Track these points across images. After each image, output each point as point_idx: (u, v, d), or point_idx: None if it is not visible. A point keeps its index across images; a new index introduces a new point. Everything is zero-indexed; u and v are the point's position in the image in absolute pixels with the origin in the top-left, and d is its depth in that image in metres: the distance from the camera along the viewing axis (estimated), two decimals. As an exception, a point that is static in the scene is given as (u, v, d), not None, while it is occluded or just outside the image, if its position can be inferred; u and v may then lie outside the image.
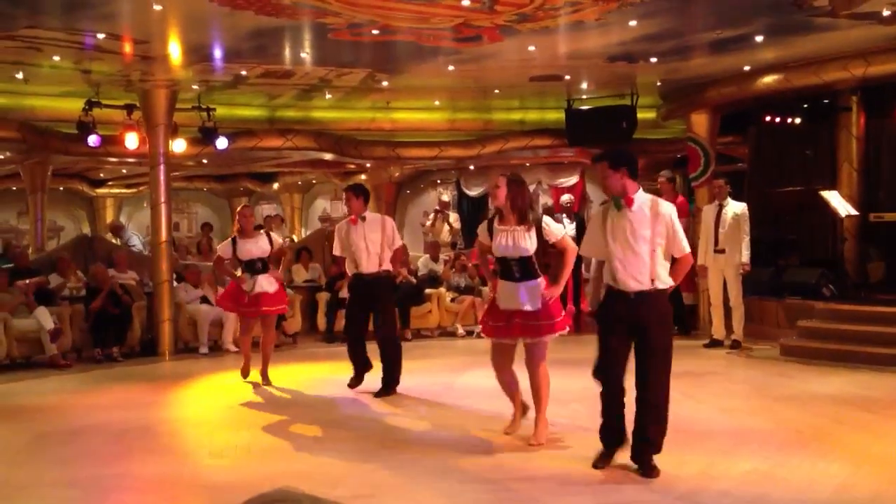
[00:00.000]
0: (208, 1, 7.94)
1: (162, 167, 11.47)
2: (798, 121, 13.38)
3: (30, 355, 10.31)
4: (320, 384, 8.79)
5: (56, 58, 10.11)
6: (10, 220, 20.56)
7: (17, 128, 12.44)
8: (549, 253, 6.05)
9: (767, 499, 4.89)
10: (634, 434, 5.32)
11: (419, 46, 9.96)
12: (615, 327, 5.32)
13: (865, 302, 10.29)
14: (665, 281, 5.26)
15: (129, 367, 10.29)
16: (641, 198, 5.31)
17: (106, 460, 6.06)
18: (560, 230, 6.13)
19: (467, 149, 14.93)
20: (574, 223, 13.48)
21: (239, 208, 9.30)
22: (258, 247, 8.67)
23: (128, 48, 9.76)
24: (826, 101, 12.72)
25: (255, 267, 8.62)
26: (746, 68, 11.32)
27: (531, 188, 17.44)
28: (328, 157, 15.18)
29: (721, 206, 10.33)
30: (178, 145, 12.37)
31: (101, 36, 9.18)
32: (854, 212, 11.51)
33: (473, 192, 17.38)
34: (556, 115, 13.84)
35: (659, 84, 12.53)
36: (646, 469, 5.26)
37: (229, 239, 8.90)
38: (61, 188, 19.07)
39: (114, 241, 14.78)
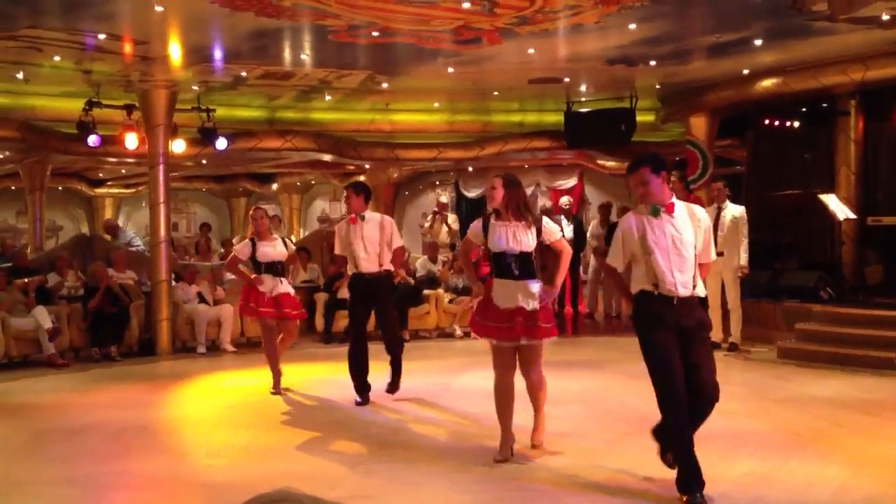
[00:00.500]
0: (209, 2, 7.96)
1: (161, 167, 11.48)
2: (797, 124, 13.42)
3: (28, 354, 10.31)
4: (318, 385, 8.79)
5: (57, 58, 10.12)
6: (8, 220, 20.58)
7: (16, 127, 12.47)
8: (546, 255, 5.97)
9: (765, 501, 4.90)
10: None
11: (419, 48, 9.98)
12: (663, 330, 4.93)
13: (863, 305, 10.30)
14: (703, 288, 5.06)
15: (127, 367, 10.29)
16: (679, 203, 5.10)
17: (103, 459, 6.06)
18: (557, 231, 6.04)
19: (466, 150, 14.95)
20: (572, 225, 13.51)
21: (252, 211, 9.06)
22: (277, 251, 8.53)
23: (128, 49, 9.78)
24: (825, 104, 12.76)
25: (276, 269, 8.47)
26: (745, 72, 11.35)
27: (529, 190, 17.61)
28: (327, 158, 15.21)
29: (720, 209, 10.34)
30: (178, 146, 12.38)
31: (101, 36, 9.20)
32: (852, 215, 11.53)
33: (472, 194, 17.42)
34: (555, 118, 13.86)
35: (658, 87, 12.56)
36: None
37: (248, 240, 8.64)
38: (60, 188, 19.09)
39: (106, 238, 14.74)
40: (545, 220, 5.98)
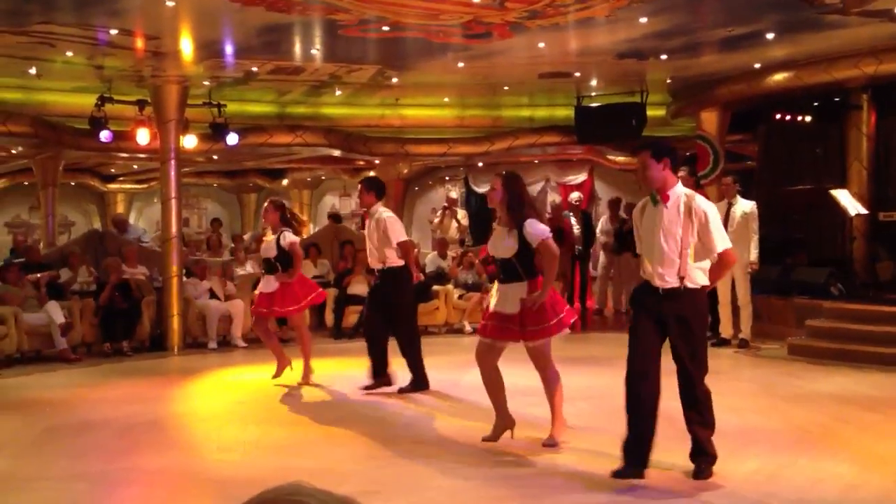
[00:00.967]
0: (219, -3, 7.98)
1: (172, 163, 11.52)
2: (808, 119, 13.34)
3: (40, 349, 10.36)
4: (329, 380, 8.79)
5: (69, 53, 10.17)
6: (21, 215, 20.66)
7: (29, 123, 12.52)
8: (541, 257, 5.89)
9: (774, 498, 4.88)
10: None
11: (429, 43, 9.97)
12: (641, 317, 5.17)
13: (874, 301, 10.25)
14: (696, 281, 5.05)
15: (138, 362, 10.34)
16: (678, 192, 5.10)
17: (114, 454, 6.09)
18: (541, 233, 5.80)
19: (476, 146, 14.94)
20: (583, 221, 13.48)
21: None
22: (268, 247, 8.49)
23: (140, 44, 9.82)
24: (836, 99, 12.68)
25: (270, 266, 8.45)
26: (757, 66, 11.30)
27: (539, 185, 17.59)
28: (337, 153, 15.22)
29: (730, 205, 10.30)
30: (189, 141, 12.42)
31: (113, 31, 9.23)
32: (863, 210, 11.47)
33: (482, 189, 17.37)
34: (566, 113, 13.83)
35: (669, 81, 12.51)
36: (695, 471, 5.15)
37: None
38: (72, 183, 19.16)
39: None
40: (529, 222, 5.79)
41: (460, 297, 12.71)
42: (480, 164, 16.92)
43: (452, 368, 9.20)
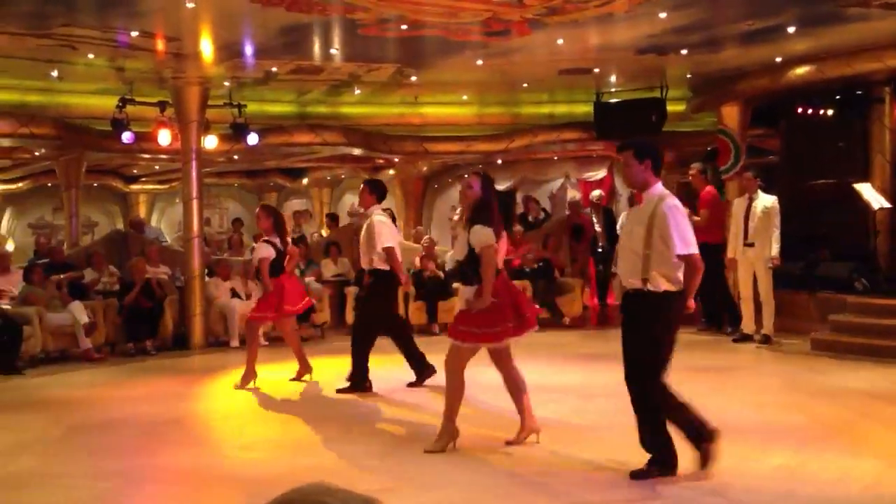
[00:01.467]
0: (238, -2, 8.02)
1: (194, 163, 11.59)
2: (830, 112, 13.21)
3: (64, 349, 10.46)
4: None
5: (90, 55, 10.26)
6: (45, 216, 20.87)
7: (52, 125, 12.65)
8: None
9: (796, 495, 4.85)
10: None
11: (447, 41, 9.97)
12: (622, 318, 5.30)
13: (899, 296, 10.14)
14: (658, 285, 4.91)
15: (161, 361, 10.41)
16: (652, 193, 5.03)
17: (137, 452, 6.14)
18: (480, 241, 5.57)
19: (495, 143, 14.93)
20: (605, 219, 13.43)
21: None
22: (254, 255, 8.71)
23: (160, 45, 9.89)
24: (859, 92, 12.54)
25: (256, 273, 8.71)
26: (778, 60, 11.21)
27: (559, 182, 17.54)
28: (357, 152, 15.26)
29: (751, 200, 10.23)
30: (210, 141, 12.49)
31: (134, 33, 9.30)
32: (887, 204, 11.34)
33: (501, 187, 17.34)
34: (585, 109, 13.79)
35: (689, 76, 12.44)
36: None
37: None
38: (95, 184, 19.33)
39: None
40: (475, 228, 5.63)
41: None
42: (500, 162, 16.89)
43: (469, 366, 9.17)
